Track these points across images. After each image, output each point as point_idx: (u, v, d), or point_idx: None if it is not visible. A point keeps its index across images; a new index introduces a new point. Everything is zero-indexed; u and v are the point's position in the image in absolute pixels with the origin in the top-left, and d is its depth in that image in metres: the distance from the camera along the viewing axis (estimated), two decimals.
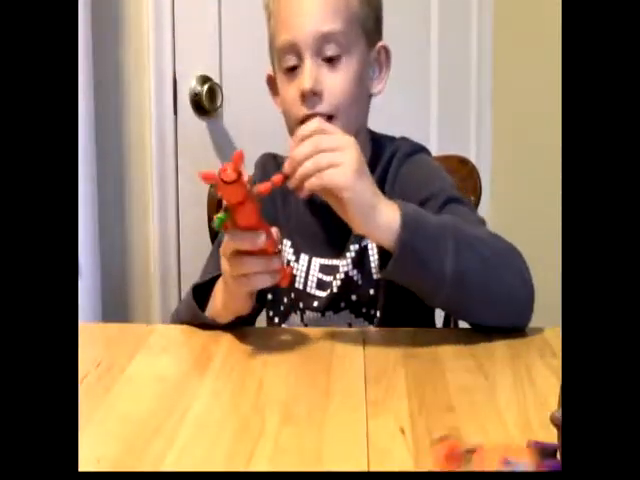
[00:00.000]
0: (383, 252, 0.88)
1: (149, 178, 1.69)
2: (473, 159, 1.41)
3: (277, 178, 0.84)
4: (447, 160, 1.26)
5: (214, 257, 1.02)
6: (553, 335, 0.92)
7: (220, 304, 0.94)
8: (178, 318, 1.02)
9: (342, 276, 1.06)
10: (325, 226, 1.08)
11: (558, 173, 0.60)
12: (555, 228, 0.74)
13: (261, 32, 1.10)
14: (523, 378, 0.80)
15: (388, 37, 1.09)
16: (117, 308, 1.69)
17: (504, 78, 1.94)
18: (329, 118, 0.99)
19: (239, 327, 0.96)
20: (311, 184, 0.83)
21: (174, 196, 1.71)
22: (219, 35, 1.71)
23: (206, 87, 1.69)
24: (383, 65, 1.08)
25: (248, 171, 0.81)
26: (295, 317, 1.10)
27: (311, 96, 0.99)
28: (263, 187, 0.83)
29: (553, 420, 0.54)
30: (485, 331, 0.91)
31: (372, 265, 1.05)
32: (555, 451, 0.54)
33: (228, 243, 0.85)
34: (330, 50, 1.00)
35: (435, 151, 1.21)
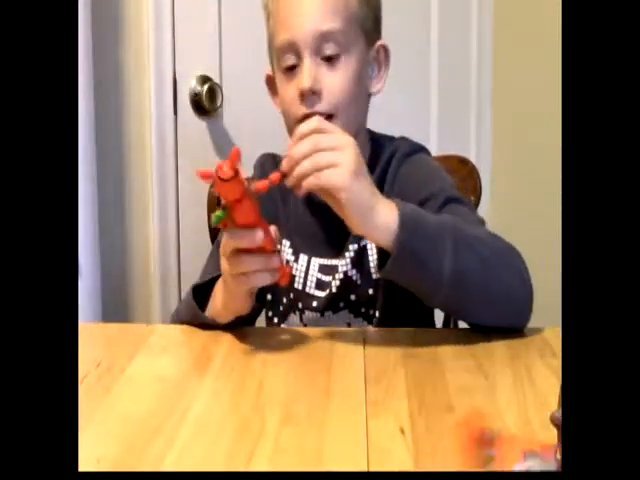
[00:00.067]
0: (382, 252, 0.88)
1: (149, 178, 1.69)
2: (473, 159, 1.41)
3: (275, 176, 0.84)
4: (447, 160, 1.26)
5: (214, 257, 1.02)
6: (553, 335, 0.92)
7: (220, 304, 0.93)
8: (178, 318, 1.02)
9: (341, 276, 1.06)
10: (324, 226, 1.08)
11: (558, 173, 0.60)
12: (555, 228, 0.74)
13: (261, 32, 1.10)
14: (523, 378, 0.80)
15: (388, 37, 1.09)
16: (117, 308, 1.69)
17: (504, 78, 1.94)
18: (328, 117, 0.98)
19: (239, 327, 0.96)
20: (308, 183, 0.83)
21: (174, 196, 1.71)
22: (219, 35, 1.71)
23: (206, 87, 1.69)
24: (382, 64, 1.08)
25: (246, 170, 0.81)
26: (294, 317, 1.10)
27: (310, 95, 0.99)
28: (261, 184, 0.83)
29: (553, 420, 0.54)
30: (484, 331, 0.91)
31: (371, 265, 1.05)
32: None
33: (227, 242, 0.85)
34: (329, 49, 1.00)
35: (435, 151, 1.21)
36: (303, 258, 1.08)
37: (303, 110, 1.00)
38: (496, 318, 0.91)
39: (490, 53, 1.94)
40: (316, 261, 1.08)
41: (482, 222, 0.98)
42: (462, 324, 0.99)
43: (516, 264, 0.92)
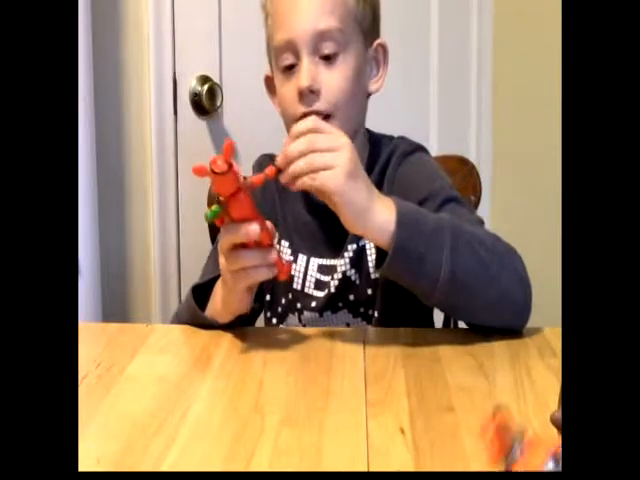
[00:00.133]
0: (380, 251, 0.88)
1: (149, 178, 1.69)
2: (473, 159, 1.41)
3: (270, 170, 0.84)
4: (447, 160, 1.26)
5: (214, 257, 1.02)
6: (553, 335, 0.92)
7: (220, 303, 0.94)
8: (178, 319, 1.02)
9: (340, 276, 1.06)
10: (323, 226, 1.08)
11: (558, 173, 0.60)
12: (555, 228, 0.75)
13: (261, 32, 1.10)
14: (523, 378, 0.80)
15: (388, 36, 1.09)
16: (117, 308, 1.69)
17: (504, 78, 1.94)
18: (327, 117, 0.99)
19: (239, 327, 0.96)
20: (303, 184, 0.83)
21: (174, 196, 1.71)
22: (219, 35, 1.72)
23: (206, 87, 1.69)
24: (381, 63, 1.08)
25: (245, 170, 0.81)
26: (293, 318, 1.09)
27: (308, 94, 0.99)
28: (256, 178, 0.83)
29: (553, 420, 0.54)
30: (483, 331, 0.91)
31: (370, 265, 1.05)
32: None
33: (224, 238, 0.85)
34: (327, 48, 1.00)
35: (435, 151, 1.21)
36: (302, 258, 1.08)
37: (301, 109, 1.00)
38: (494, 318, 0.91)
39: (490, 53, 1.94)
40: (315, 261, 1.08)
41: (481, 222, 0.98)
42: (462, 324, 0.99)
43: (515, 264, 0.91)
